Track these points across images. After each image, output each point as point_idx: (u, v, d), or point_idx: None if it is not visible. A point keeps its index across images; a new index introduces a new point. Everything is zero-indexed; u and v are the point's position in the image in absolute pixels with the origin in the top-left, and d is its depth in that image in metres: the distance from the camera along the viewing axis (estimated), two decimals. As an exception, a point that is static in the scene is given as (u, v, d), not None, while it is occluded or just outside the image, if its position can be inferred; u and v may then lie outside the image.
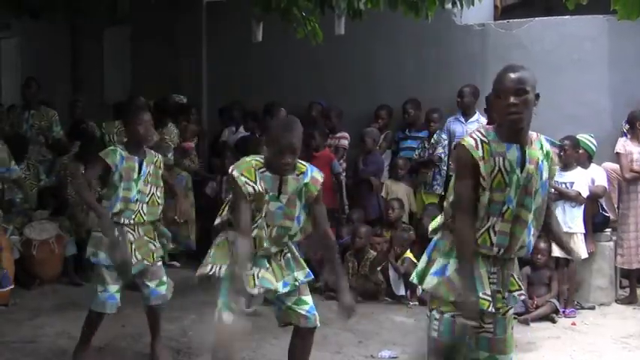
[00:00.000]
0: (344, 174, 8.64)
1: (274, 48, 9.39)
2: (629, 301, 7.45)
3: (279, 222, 4.27)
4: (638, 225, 7.43)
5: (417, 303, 7.34)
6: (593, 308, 7.25)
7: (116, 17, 9.55)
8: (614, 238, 7.65)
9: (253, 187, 4.16)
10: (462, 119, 8.34)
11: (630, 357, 5.86)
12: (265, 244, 4.26)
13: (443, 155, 8.21)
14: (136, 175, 5.20)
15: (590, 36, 8.31)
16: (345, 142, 8.79)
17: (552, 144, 3.78)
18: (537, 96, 3.62)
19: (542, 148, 3.70)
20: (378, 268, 7.51)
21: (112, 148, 5.29)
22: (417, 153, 8.48)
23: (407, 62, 9.14)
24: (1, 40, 13.63)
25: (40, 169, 8.30)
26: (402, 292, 7.47)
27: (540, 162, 3.65)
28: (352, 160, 8.76)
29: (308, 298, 4.46)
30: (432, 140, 8.32)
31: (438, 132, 8.33)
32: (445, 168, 8.25)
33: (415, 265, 7.27)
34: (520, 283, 3.81)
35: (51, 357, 5.68)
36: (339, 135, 8.83)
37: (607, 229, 7.67)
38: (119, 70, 11.41)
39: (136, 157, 5.22)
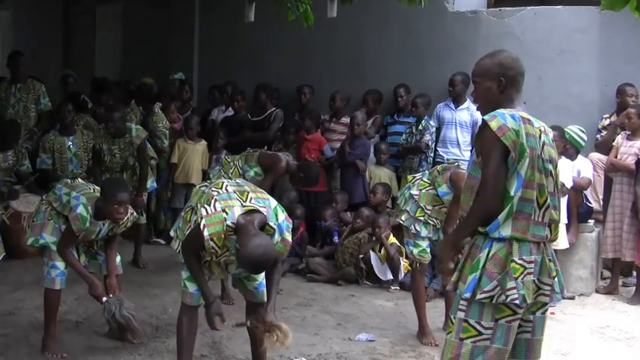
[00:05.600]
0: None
1: (266, 29, 9.38)
2: (609, 291, 7.50)
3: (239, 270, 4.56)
4: (622, 215, 7.44)
5: (398, 288, 7.37)
6: (572, 298, 7.26)
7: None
8: (597, 228, 7.68)
9: (216, 252, 4.34)
10: (452, 106, 8.36)
11: (606, 347, 5.89)
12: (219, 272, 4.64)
13: (430, 142, 8.23)
14: None
15: (581, 27, 8.30)
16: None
17: None
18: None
19: None
20: (361, 256, 7.52)
21: None
22: (404, 138, 8.50)
23: (398, 48, 9.13)
24: (-6, 13, 13.55)
25: (26, 155, 8.20)
26: (388, 276, 7.48)
27: None
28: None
29: (259, 275, 4.64)
30: (420, 126, 8.33)
31: (426, 118, 8.34)
32: (432, 155, 8.27)
33: (401, 251, 7.36)
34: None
35: (30, 329, 5.69)
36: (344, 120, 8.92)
37: (590, 220, 7.70)
38: (111, 47, 11.39)
39: None
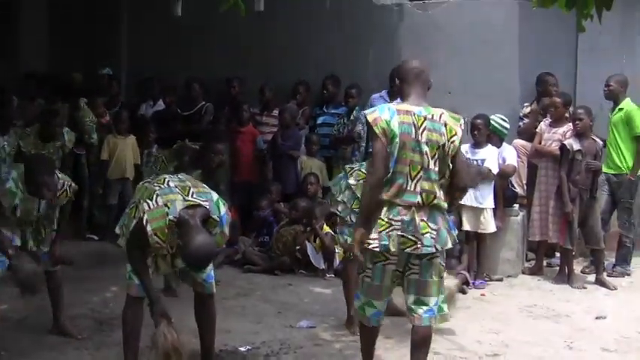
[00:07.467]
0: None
1: (195, 22, 9.37)
2: (534, 272, 7.84)
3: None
4: (548, 199, 7.75)
5: (333, 275, 7.52)
6: (501, 280, 7.58)
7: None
8: (522, 212, 7.99)
9: (161, 246, 4.38)
10: (387, 97, 8.41)
11: (535, 324, 6.20)
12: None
13: (362, 132, 8.34)
14: None
15: (502, 18, 8.61)
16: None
17: None
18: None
19: None
20: (297, 247, 7.66)
21: None
22: (336, 129, 8.65)
23: (326, 39, 9.27)
24: None
25: None
26: (322, 265, 7.63)
27: None
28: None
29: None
30: (352, 117, 8.49)
31: (357, 109, 8.47)
32: (364, 144, 8.39)
33: (335, 240, 7.50)
34: None
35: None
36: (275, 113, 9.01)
37: (515, 204, 8.00)
38: (36, 39, 11.15)
39: None
